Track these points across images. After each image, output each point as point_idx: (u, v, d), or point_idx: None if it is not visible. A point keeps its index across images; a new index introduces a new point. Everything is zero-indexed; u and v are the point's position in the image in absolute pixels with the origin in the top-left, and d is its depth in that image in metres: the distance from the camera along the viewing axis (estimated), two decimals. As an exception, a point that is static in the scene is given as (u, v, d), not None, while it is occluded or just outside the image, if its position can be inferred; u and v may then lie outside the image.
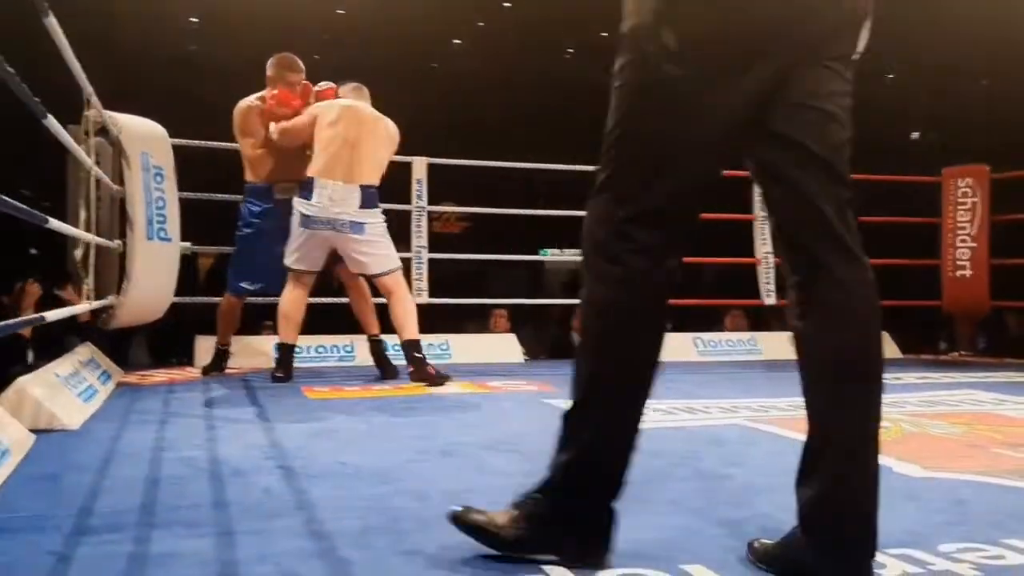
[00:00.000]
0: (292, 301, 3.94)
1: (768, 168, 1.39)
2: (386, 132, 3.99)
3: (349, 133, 3.83)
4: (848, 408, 1.33)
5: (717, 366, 5.07)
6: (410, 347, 3.91)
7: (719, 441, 2.60)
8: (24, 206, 2.19)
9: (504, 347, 5.19)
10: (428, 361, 3.93)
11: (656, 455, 2.33)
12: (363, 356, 4.57)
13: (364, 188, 3.83)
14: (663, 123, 1.34)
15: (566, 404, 1.46)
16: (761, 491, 1.97)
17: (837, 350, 1.33)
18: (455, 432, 2.71)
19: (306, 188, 3.80)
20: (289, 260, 3.92)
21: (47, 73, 3.12)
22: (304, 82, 4.09)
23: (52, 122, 2.65)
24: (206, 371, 4.22)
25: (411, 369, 3.88)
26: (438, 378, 3.83)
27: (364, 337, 4.24)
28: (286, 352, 3.95)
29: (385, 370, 4.13)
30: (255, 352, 4.46)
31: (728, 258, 6.55)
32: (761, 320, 6.42)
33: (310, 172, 3.81)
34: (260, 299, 4.41)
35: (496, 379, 4.09)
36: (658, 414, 3.04)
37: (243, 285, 4.09)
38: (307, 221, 3.80)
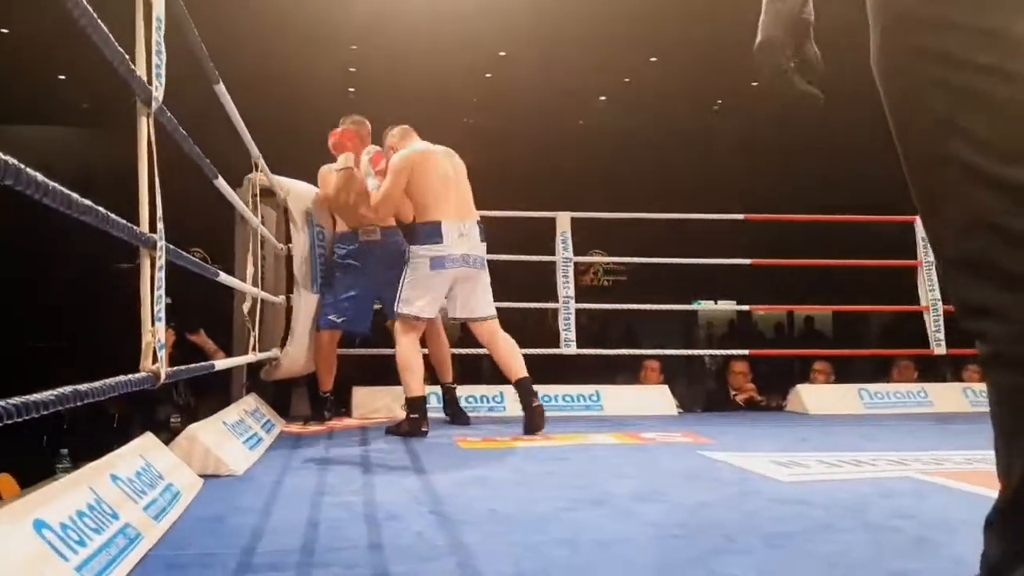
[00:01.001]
0: (411, 351, 3.89)
1: None
2: (462, 165, 4.07)
3: (447, 172, 3.94)
4: None
5: (885, 419, 4.80)
6: (526, 385, 3.87)
7: (887, 494, 2.44)
8: (198, 260, 2.35)
9: (657, 399, 5.09)
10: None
11: (820, 507, 2.22)
12: (513, 407, 4.58)
13: (478, 223, 3.95)
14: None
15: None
16: (934, 544, 1.83)
17: None
18: (607, 482, 2.66)
19: (429, 234, 3.81)
20: (409, 309, 3.86)
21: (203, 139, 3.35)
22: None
23: (222, 183, 2.84)
24: (306, 421, 4.25)
25: (535, 404, 3.81)
26: (540, 424, 3.80)
27: (511, 387, 4.23)
28: (420, 406, 3.85)
29: (457, 418, 4.21)
30: (398, 401, 4.45)
31: (894, 306, 6.23)
32: (931, 370, 6.06)
33: (430, 217, 3.84)
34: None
35: (649, 431, 4.00)
36: (822, 467, 2.90)
37: (331, 318, 4.22)
38: (441, 262, 3.80)
